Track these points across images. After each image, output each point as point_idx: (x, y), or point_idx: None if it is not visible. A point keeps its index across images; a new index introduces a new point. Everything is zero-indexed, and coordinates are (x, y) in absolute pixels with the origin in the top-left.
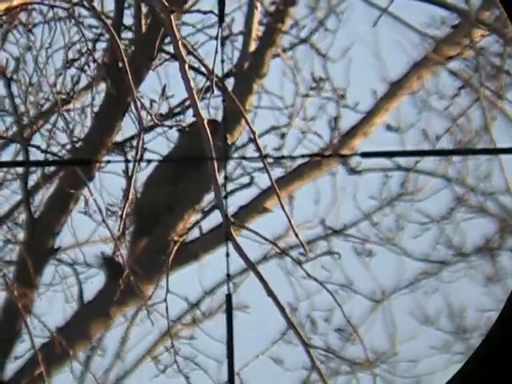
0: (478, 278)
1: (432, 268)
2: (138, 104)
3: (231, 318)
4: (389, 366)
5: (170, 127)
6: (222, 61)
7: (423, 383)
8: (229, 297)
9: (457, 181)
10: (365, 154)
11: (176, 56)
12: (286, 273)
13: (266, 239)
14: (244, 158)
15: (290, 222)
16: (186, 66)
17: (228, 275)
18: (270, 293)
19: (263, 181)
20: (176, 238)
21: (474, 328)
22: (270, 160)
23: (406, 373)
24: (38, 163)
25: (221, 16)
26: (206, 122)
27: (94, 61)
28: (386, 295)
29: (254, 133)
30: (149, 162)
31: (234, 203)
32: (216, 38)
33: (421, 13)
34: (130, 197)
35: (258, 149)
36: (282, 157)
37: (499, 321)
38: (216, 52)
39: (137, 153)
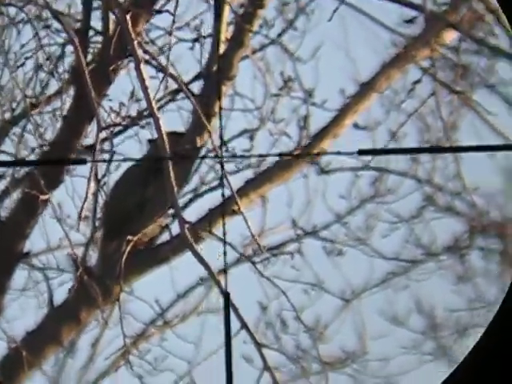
0: (448, 277)
1: (402, 267)
2: (96, 105)
3: (229, 317)
4: (359, 366)
5: (127, 126)
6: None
7: (393, 383)
8: (227, 295)
9: (426, 180)
10: (362, 152)
11: (133, 55)
12: (256, 274)
13: (221, 240)
14: (204, 157)
15: (246, 223)
16: (141, 65)
17: (225, 271)
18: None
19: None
20: (130, 238)
21: (443, 327)
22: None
23: (377, 372)
24: (12, 163)
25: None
26: (160, 119)
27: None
28: (355, 294)
29: (209, 132)
30: (106, 161)
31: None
32: (170, 34)
33: (391, 12)
34: (88, 200)
35: (215, 152)
36: (270, 154)
37: (498, 315)
38: (169, 49)
39: (94, 153)
